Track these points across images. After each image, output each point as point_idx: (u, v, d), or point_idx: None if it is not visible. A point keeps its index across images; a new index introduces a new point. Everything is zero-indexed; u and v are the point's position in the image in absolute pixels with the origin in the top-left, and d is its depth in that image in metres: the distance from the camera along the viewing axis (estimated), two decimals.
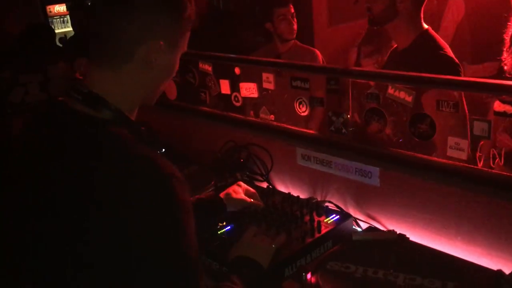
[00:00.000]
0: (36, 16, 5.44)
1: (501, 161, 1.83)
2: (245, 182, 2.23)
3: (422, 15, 2.30)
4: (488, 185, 1.63)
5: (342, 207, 1.99)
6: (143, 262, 1.11)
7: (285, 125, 2.28)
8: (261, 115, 2.39)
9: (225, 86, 2.50)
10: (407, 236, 1.71)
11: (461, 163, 1.69)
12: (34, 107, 3.41)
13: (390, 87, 1.83)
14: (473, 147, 1.77)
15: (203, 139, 2.62)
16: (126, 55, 1.24)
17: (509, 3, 2.60)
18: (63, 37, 5.51)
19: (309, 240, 1.70)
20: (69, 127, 1.23)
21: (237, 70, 2.43)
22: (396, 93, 1.83)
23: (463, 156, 1.67)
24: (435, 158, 1.77)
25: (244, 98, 2.44)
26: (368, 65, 3.17)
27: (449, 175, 1.71)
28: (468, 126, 1.77)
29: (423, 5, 2.30)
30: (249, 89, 2.39)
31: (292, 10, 3.32)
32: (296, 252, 1.66)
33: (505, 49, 2.03)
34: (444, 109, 1.69)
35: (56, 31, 5.39)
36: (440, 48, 2.25)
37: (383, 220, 1.93)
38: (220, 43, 3.65)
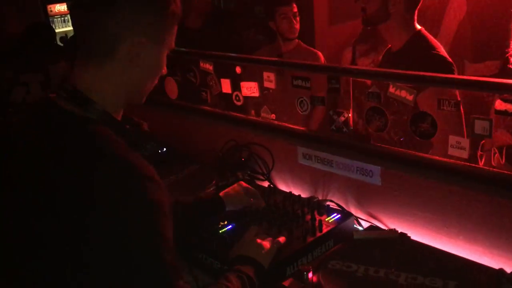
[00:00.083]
0: (37, 15, 5.44)
1: (502, 159, 1.83)
2: (246, 181, 2.24)
3: (415, 17, 2.32)
4: (489, 184, 1.63)
5: (343, 206, 1.99)
6: (112, 262, 1.11)
7: (286, 124, 2.29)
8: (262, 114, 2.39)
9: (226, 85, 2.50)
10: (409, 235, 1.71)
11: (462, 162, 1.69)
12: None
13: (391, 86, 1.83)
14: (474, 145, 1.77)
15: (204, 139, 2.62)
16: (109, 52, 1.24)
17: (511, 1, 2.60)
18: (64, 36, 5.51)
19: (310, 239, 1.70)
20: (51, 125, 1.24)
21: (238, 69, 2.43)
22: (397, 92, 1.83)
23: (464, 155, 1.68)
24: (436, 157, 1.77)
25: (245, 97, 2.44)
26: (365, 65, 3.17)
27: (450, 174, 1.71)
28: (464, 125, 1.78)
29: (417, 8, 2.32)
30: (250, 88, 2.39)
31: (295, 10, 3.32)
32: (298, 251, 1.66)
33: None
34: (445, 108, 1.69)
35: (57, 30, 5.40)
36: (432, 48, 2.26)
37: (384, 219, 1.93)
38: (221, 42, 3.66)
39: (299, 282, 1.51)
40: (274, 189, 2.16)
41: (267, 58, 2.65)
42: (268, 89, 2.31)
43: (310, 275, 1.50)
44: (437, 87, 1.83)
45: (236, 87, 2.46)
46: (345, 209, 1.96)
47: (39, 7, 5.64)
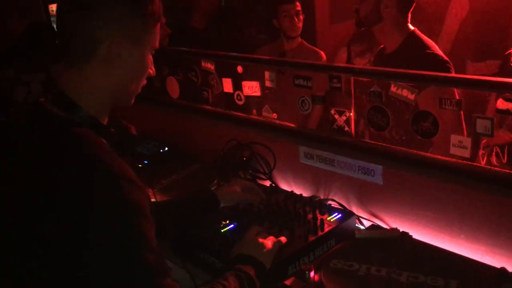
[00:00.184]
0: (39, 15, 5.44)
1: (504, 158, 1.83)
2: (248, 180, 2.24)
3: (409, 19, 2.33)
4: (491, 183, 1.63)
5: (345, 205, 2.00)
6: (92, 265, 1.11)
7: (287, 124, 2.29)
8: (264, 114, 2.39)
9: (227, 85, 2.51)
10: (410, 234, 1.71)
11: (464, 161, 1.69)
12: None
13: (392, 85, 1.84)
14: (476, 144, 1.77)
15: (205, 138, 2.62)
16: (89, 55, 1.25)
17: None
18: None
19: (312, 238, 1.70)
20: (35, 127, 1.25)
21: (239, 69, 2.43)
22: (399, 91, 1.83)
23: (466, 154, 1.68)
24: (438, 156, 1.77)
25: (247, 97, 2.44)
26: (361, 65, 3.17)
27: (452, 173, 1.71)
28: (464, 124, 1.78)
29: (410, 10, 2.33)
30: (251, 88, 2.40)
31: (298, 8, 3.33)
32: (299, 250, 1.65)
33: None
34: (447, 107, 1.69)
35: None
36: (426, 47, 2.28)
37: (386, 218, 1.93)
38: (225, 41, 3.66)
39: (300, 281, 1.51)
40: (275, 188, 2.16)
41: (269, 57, 2.65)
42: (269, 88, 2.31)
43: (312, 274, 1.50)
44: (437, 86, 1.82)
45: (237, 86, 2.46)
46: (346, 208, 1.96)
47: (40, 7, 5.63)
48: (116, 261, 1.12)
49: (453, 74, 2.09)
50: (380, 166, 1.89)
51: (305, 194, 2.04)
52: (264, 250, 1.56)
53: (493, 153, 1.83)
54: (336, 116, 2.05)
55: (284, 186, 2.27)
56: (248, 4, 4.57)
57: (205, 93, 2.64)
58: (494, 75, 2.45)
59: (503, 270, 1.47)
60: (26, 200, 1.17)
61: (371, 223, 1.91)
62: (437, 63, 2.22)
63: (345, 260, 1.58)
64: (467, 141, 1.67)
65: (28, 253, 1.16)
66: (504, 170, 1.65)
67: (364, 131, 2.02)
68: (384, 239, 1.70)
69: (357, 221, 1.91)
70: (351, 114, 2.00)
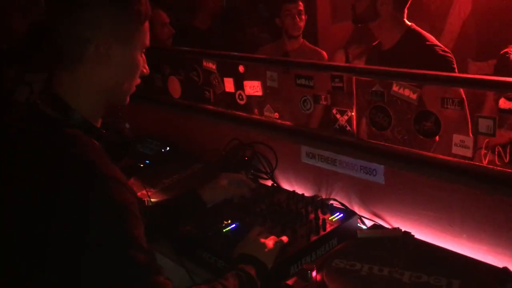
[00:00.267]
0: (41, 15, 5.45)
1: (506, 158, 1.82)
2: (250, 180, 2.24)
3: (405, 14, 2.34)
4: (493, 183, 1.63)
5: (347, 205, 1.99)
6: (82, 264, 1.12)
7: (289, 123, 2.29)
8: (266, 113, 2.39)
9: (229, 84, 2.50)
10: (412, 233, 1.70)
11: (466, 161, 1.68)
12: None
13: (394, 84, 1.83)
14: (478, 144, 1.77)
15: (207, 138, 2.62)
16: (78, 55, 1.26)
17: None
18: None
19: (314, 238, 1.70)
20: (28, 129, 1.27)
21: (241, 68, 2.43)
22: (401, 91, 1.83)
23: (468, 153, 1.67)
24: (440, 156, 1.76)
25: (249, 96, 2.44)
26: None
27: (454, 173, 1.71)
28: (470, 124, 1.78)
29: (407, 6, 2.34)
30: (253, 87, 2.40)
31: (300, 7, 3.34)
32: (301, 250, 1.66)
33: None
34: (449, 106, 1.69)
35: None
36: (426, 39, 2.31)
37: (388, 218, 1.93)
38: (228, 40, 3.66)
39: (303, 281, 1.51)
40: (277, 188, 2.17)
41: (271, 57, 2.65)
42: (271, 88, 2.31)
43: (314, 273, 1.50)
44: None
45: (239, 86, 2.46)
46: (348, 208, 1.96)
47: (43, 7, 5.64)
48: (105, 260, 1.12)
49: (455, 74, 2.09)
50: (382, 166, 1.89)
51: (307, 194, 2.03)
52: (266, 249, 1.56)
53: (496, 153, 1.83)
54: (338, 116, 2.05)
55: (286, 186, 2.27)
56: (250, 3, 4.57)
57: (206, 92, 2.64)
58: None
59: (505, 269, 1.46)
60: (18, 200, 1.18)
61: (373, 222, 1.91)
62: (438, 54, 2.24)
63: (347, 259, 1.57)
64: (469, 141, 1.67)
65: (20, 252, 1.17)
66: (506, 169, 1.65)
67: (366, 131, 2.02)
68: (386, 238, 1.70)
69: (359, 220, 1.92)
70: (353, 113, 2.00)
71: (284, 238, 1.65)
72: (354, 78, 1.96)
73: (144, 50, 1.36)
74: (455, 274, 1.47)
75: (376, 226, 1.86)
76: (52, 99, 1.27)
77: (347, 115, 2.01)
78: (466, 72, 2.85)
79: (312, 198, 1.99)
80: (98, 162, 1.17)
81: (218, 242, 1.72)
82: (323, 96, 2.10)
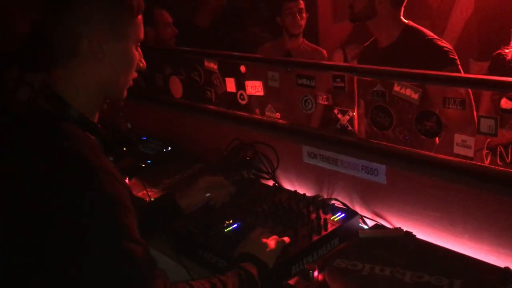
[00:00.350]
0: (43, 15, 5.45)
1: (508, 158, 1.82)
2: (251, 180, 2.24)
3: (402, 12, 2.36)
4: (495, 182, 1.62)
5: (349, 204, 1.99)
6: (74, 255, 1.13)
7: (291, 123, 2.28)
8: (267, 113, 2.39)
9: (230, 84, 2.51)
10: (414, 233, 1.70)
11: (468, 161, 1.68)
12: None
13: (396, 84, 1.83)
14: (480, 144, 1.77)
15: (208, 137, 2.62)
16: (71, 50, 1.27)
17: None
18: None
19: (315, 237, 1.70)
20: (25, 123, 1.29)
21: (242, 68, 2.43)
22: (402, 91, 1.83)
23: (470, 153, 1.67)
24: (442, 156, 1.76)
25: (250, 96, 2.44)
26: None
27: (456, 173, 1.70)
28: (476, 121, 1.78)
29: (404, 4, 2.35)
30: (254, 87, 2.40)
31: (301, 6, 3.35)
32: (303, 250, 1.66)
33: None
34: (450, 106, 1.69)
35: None
36: (425, 34, 2.34)
37: (389, 218, 1.93)
38: (229, 39, 3.66)
39: (304, 281, 1.51)
40: (279, 188, 2.17)
41: (272, 57, 2.65)
42: (273, 87, 2.31)
43: (316, 273, 1.50)
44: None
45: (240, 86, 2.46)
46: (350, 208, 1.95)
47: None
48: (99, 251, 1.13)
49: (456, 74, 2.09)
50: (384, 166, 1.89)
51: (308, 194, 2.03)
52: (267, 249, 1.57)
53: (498, 153, 1.83)
54: (340, 116, 2.05)
55: (288, 186, 2.27)
56: (252, 3, 4.57)
57: (208, 92, 2.64)
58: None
59: (507, 270, 1.46)
60: (12, 193, 1.19)
61: (375, 222, 1.91)
62: (440, 46, 2.26)
63: (348, 259, 1.57)
64: (471, 140, 1.67)
65: (15, 243, 1.18)
66: (508, 169, 1.65)
67: (368, 131, 2.02)
68: (387, 238, 1.70)
69: (360, 220, 1.91)
70: (354, 113, 2.00)
71: (286, 238, 1.65)
72: (355, 78, 1.96)
73: (139, 44, 1.37)
74: (456, 274, 1.47)
75: (377, 226, 1.86)
76: (49, 95, 1.28)
77: (349, 115, 2.01)
78: (468, 72, 2.84)
79: (314, 198, 1.98)
80: (90, 155, 1.19)
81: (219, 242, 1.73)
82: (324, 96, 2.10)
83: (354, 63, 2.93)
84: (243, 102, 2.47)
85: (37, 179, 1.16)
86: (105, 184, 1.16)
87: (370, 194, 1.97)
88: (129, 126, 2.84)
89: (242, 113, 2.48)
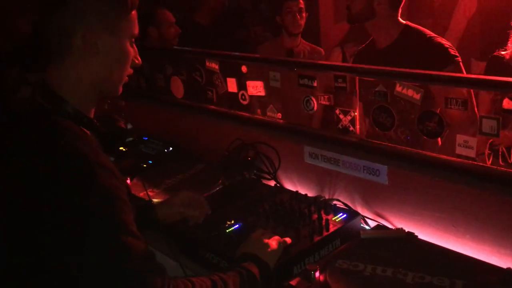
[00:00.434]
0: None
1: (510, 158, 1.82)
2: (252, 180, 2.24)
3: (399, 13, 2.36)
4: (497, 183, 1.62)
5: (350, 205, 1.99)
6: (71, 249, 1.13)
7: (292, 123, 2.28)
8: (268, 113, 2.39)
9: (232, 85, 2.50)
10: (416, 234, 1.70)
11: (470, 161, 1.68)
12: None
13: (398, 84, 1.83)
14: (482, 144, 1.76)
15: (210, 138, 2.62)
16: (66, 46, 1.28)
17: None
18: None
19: (317, 238, 1.70)
20: (21, 119, 1.30)
21: (244, 68, 2.43)
22: (404, 91, 1.82)
23: (472, 154, 1.67)
24: (444, 156, 1.76)
25: (251, 97, 2.44)
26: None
27: (458, 173, 1.70)
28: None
29: (401, 4, 2.35)
30: (256, 87, 2.39)
31: (301, 5, 3.35)
32: (305, 250, 1.65)
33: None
34: (452, 106, 1.68)
35: None
36: (425, 34, 2.34)
37: (391, 218, 1.92)
38: (230, 39, 3.67)
39: (306, 281, 1.50)
40: (280, 188, 2.16)
41: (274, 57, 2.65)
42: (274, 88, 2.31)
43: (317, 274, 1.50)
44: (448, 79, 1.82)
45: (242, 86, 2.46)
46: (352, 208, 1.95)
47: None
48: (97, 246, 1.13)
49: (458, 74, 2.08)
50: (385, 166, 1.89)
51: (310, 194, 2.03)
52: (269, 250, 1.56)
53: (500, 153, 1.83)
54: (341, 116, 2.05)
55: (289, 186, 2.27)
56: (253, 2, 4.58)
57: (209, 93, 2.64)
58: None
59: (509, 270, 1.46)
60: (11, 190, 1.20)
61: (376, 223, 1.90)
62: (440, 45, 2.26)
63: (350, 260, 1.57)
64: (473, 141, 1.66)
65: (14, 242, 1.18)
66: (510, 170, 1.64)
67: (369, 131, 2.02)
68: (389, 239, 1.69)
69: (362, 221, 1.91)
70: (356, 114, 1.99)
71: (287, 239, 1.64)
72: (357, 78, 1.96)
73: (133, 39, 1.37)
74: (458, 274, 1.47)
75: (379, 227, 1.86)
76: (45, 91, 1.29)
77: (350, 115, 2.01)
78: (470, 72, 2.84)
79: (315, 198, 1.98)
80: (87, 151, 1.19)
81: (221, 243, 1.72)
82: (326, 96, 2.10)
83: (356, 64, 2.93)
84: (245, 102, 2.47)
85: (36, 178, 1.16)
86: (103, 179, 1.16)
87: (371, 194, 1.97)
88: (130, 126, 2.85)
89: (243, 113, 2.48)
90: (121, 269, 1.15)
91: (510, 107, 1.55)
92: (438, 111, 1.75)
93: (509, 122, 1.69)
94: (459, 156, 1.70)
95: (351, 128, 2.02)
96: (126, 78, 1.40)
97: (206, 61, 2.57)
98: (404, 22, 2.39)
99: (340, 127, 2.05)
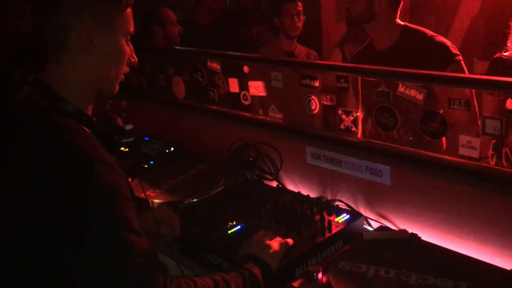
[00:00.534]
0: None
1: None
2: (254, 181, 2.23)
3: (398, 14, 2.37)
4: (500, 184, 1.61)
5: (353, 206, 1.98)
6: (73, 247, 1.13)
7: (294, 124, 2.28)
8: (270, 114, 2.38)
9: (233, 85, 2.50)
10: (419, 235, 1.69)
11: (473, 162, 1.67)
12: None
13: (400, 85, 1.82)
14: (485, 145, 1.76)
15: (211, 138, 2.62)
16: (61, 44, 1.28)
17: None
18: None
19: (319, 239, 1.69)
20: (20, 119, 1.29)
21: (245, 69, 2.42)
22: (407, 91, 1.81)
23: (475, 154, 1.66)
24: (447, 157, 1.75)
25: (253, 97, 2.43)
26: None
27: (461, 174, 1.69)
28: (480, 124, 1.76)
29: (400, 6, 2.34)
30: (257, 88, 2.39)
31: (299, 8, 3.34)
32: (307, 251, 1.65)
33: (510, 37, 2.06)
34: (455, 107, 1.67)
35: None
36: (426, 33, 2.34)
37: (394, 219, 1.92)
38: (231, 39, 3.66)
39: (308, 283, 1.50)
40: (282, 189, 2.16)
41: (276, 58, 2.64)
42: (275, 88, 2.30)
43: (320, 275, 1.50)
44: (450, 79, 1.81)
45: (243, 86, 2.45)
46: (354, 209, 1.94)
47: None
48: (98, 242, 1.13)
49: (461, 74, 2.07)
50: (388, 167, 1.88)
51: (312, 195, 2.03)
52: (271, 251, 1.56)
53: (503, 154, 1.82)
54: (344, 117, 2.04)
55: (291, 187, 2.26)
56: (255, 2, 4.57)
57: (211, 93, 2.64)
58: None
59: None
60: (12, 190, 1.19)
61: (379, 224, 1.90)
62: (442, 44, 2.26)
63: (353, 261, 1.57)
64: (476, 142, 1.66)
65: (16, 233, 1.18)
66: None
67: (372, 131, 2.01)
68: (392, 240, 1.69)
69: (365, 222, 1.90)
70: (358, 114, 1.99)
71: (289, 240, 1.64)
72: (359, 78, 1.95)
73: (129, 37, 1.37)
74: (462, 276, 1.46)
75: (382, 228, 1.85)
76: (42, 90, 1.29)
77: (353, 116, 2.00)
78: (472, 72, 2.83)
79: (318, 199, 1.98)
80: (87, 148, 1.19)
81: (222, 244, 1.72)
82: (328, 97, 2.09)
83: (359, 64, 2.92)
84: (246, 103, 2.47)
85: (36, 177, 1.16)
86: (104, 175, 1.16)
87: (374, 195, 1.96)
88: (131, 127, 2.84)
89: (245, 114, 2.47)
90: (123, 267, 1.14)
91: None
92: (441, 112, 1.75)
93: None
94: (462, 156, 1.69)
95: (354, 129, 2.01)
96: (122, 77, 1.40)
97: (208, 61, 2.56)
98: (402, 23, 2.38)
99: (343, 127, 2.05)
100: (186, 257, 1.76)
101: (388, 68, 1.89)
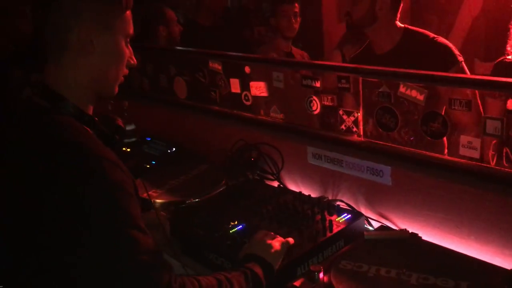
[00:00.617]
0: None
1: None
2: (256, 181, 2.24)
3: (398, 17, 2.37)
4: (501, 184, 1.62)
5: (354, 206, 1.99)
6: (78, 243, 1.13)
7: (295, 124, 2.28)
8: (272, 114, 2.39)
9: (235, 85, 2.50)
10: (420, 235, 1.70)
11: (474, 162, 1.68)
12: None
13: (401, 85, 1.83)
14: (486, 145, 1.76)
15: (213, 138, 2.62)
16: (61, 44, 1.28)
17: None
18: None
19: (321, 239, 1.70)
20: (21, 119, 1.30)
21: (247, 69, 2.43)
22: (408, 92, 1.82)
23: (476, 154, 1.67)
24: (448, 157, 1.76)
25: (254, 97, 2.44)
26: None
27: (462, 174, 1.70)
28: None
29: (400, 9, 2.35)
30: (259, 88, 2.39)
31: (296, 9, 3.33)
32: (308, 251, 1.65)
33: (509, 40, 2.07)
34: (456, 107, 1.68)
35: None
36: (427, 35, 2.34)
37: (395, 219, 1.92)
38: (232, 39, 3.66)
39: (310, 282, 1.51)
40: (283, 189, 2.16)
41: (277, 58, 2.65)
42: (277, 88, 2.31)
43: (321, 275, 1.50)
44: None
45: (245, 87, 2.46)
46: (355, 209, 1.95)
47: None
48: (104, 240, 1.13)
49: (463, 75, 2.08)
50: (389, 167, 1.89)
51: (313, 195, 2.03)
52: (272, 250, 1.56)
53: (504, 154, 1.82)
54: (345, 117, 2.04)
55: (292, 187, 2.27)
56: (255, 2, 4.57)
57: (212, 93, 2.64)
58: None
59: None
60: (14, 189, 1.20)
61: (380, 224, 1.90)
62: (444, 46, 2.26)
63: (354, 261, 1.57)
64: (477, 142, 1.66)
65: (17, 232, 1.19)
66: None
67: (373, 132, 2.01)
68: (393, 240, 1.69)
69: (366, 222, 1.91)
70: (359, 114, 1.99)
71: (290, 240, 1.64)
72: (360, 79, 1.96)
73: (128, 39, 1.38)
74: (462, 276, 1.46)
75: (383, 228, 1.86)
76: (43, 90, 1.29)
77: (354, 116, 2.01)
78: (473, 73, 2.84)
79: (319, 199, 1.98)
80: (90, 145, 1.20)
81: (224, 243, 1.72)
82: (329, 97, 2.10)
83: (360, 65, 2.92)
84: (248, 103, 2.47)
85: (36, 177, 1.16)
86: (108, 172, 1.16)
87: (375, 195, 1.97)
88: (133, 127, 2.86)
89: (246, 114, 2.48)
90: (127, 264, 1.14)
91: None
92: (442, 112, 1.75)
93: None
94: (463, 157, 1.70)
95: (355, 129, 2.02)
96: (121, 78, 1.40)
97: (210, 62, 2.57)
98: (402, 25, 2.38)
99: (344, 127, 2.05)
100: (188, 257, 1.77)
101: (389, 68, 1.90)
